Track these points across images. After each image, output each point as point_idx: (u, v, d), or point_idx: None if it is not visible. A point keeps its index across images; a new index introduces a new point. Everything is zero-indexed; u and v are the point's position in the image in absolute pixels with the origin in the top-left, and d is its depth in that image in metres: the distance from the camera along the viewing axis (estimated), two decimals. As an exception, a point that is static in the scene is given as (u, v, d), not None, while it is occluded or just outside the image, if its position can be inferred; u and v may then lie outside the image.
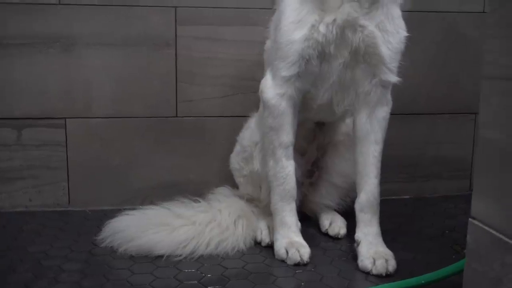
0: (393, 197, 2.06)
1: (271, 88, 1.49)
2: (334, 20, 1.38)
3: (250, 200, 1.75)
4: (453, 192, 2.11)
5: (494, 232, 0.82)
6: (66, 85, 1.90)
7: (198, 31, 1.94)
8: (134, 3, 1.90)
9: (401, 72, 1.50)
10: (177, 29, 1.93)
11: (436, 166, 2.13)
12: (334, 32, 1.39)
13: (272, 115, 1.49)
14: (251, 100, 1.88)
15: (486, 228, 0.83)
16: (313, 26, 1.39)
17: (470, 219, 0.86)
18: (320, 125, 1.75)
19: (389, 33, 1.41)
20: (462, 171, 2.14)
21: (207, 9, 1.93)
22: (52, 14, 1.86)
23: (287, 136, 1.50)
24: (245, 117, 1.82)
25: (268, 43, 1.63)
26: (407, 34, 1.45)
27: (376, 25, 1.39)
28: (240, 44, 1.96)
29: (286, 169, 1.52)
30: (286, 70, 1.44)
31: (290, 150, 1.52)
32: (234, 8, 1.94)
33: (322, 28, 1.39)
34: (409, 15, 1.97)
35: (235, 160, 1.77)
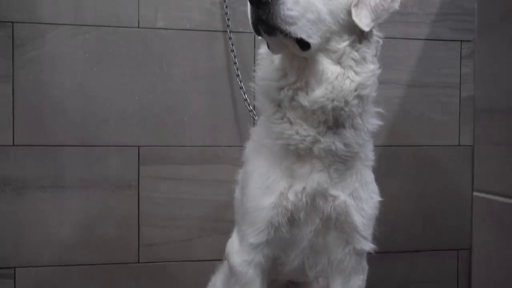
0: None
1: (238, 254, 1.36)
2: (304, 188, 1.28)
3: None
4: (438, 336, 1.96)
5: None
6: (17, 231, 1.75)
7: (162, 171, 1.83)
8: (94, 143, 1.79)
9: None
10: (140, 169, 1.82)
11: (419, 308, 2.00)
12: (304, 200, 1.29)
13: (239, 283, 1.35)
14: (219, 242, 1.74)
15: None
16: (281, 193, 1.29)
17: None
18: (295, 282, 1.61)
19: (362, 200, 1.32)
20: (447, 312, 2.01)
21: (171, 148, 1.83)
22: (4, 155, 1.74)
23: (255, 306, 1.36)
24: (212, 261, 1.68)
25: (237, 192, 1.53)
26: (381, 199, 1.36)
27: (350, 193, 1.30)
28: (206, 183, 1.85)
29: None
30: (254, 237, 1.32)
31: (260, 322, 1.37)
32: (200, 146, 1.85)
33: (291, 196, 1.28)
34: (382, 150, 1.93)
35: (200, 323, 1.60)
